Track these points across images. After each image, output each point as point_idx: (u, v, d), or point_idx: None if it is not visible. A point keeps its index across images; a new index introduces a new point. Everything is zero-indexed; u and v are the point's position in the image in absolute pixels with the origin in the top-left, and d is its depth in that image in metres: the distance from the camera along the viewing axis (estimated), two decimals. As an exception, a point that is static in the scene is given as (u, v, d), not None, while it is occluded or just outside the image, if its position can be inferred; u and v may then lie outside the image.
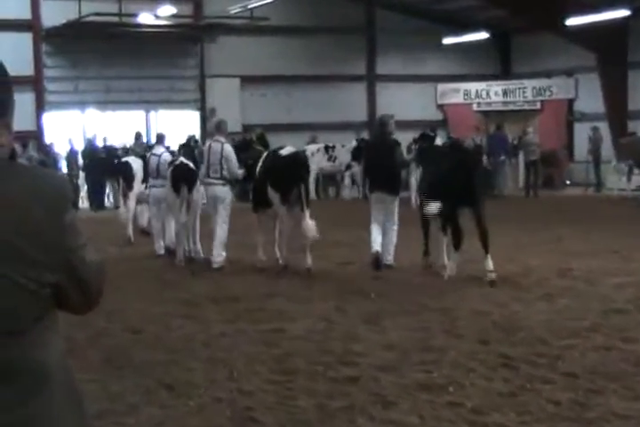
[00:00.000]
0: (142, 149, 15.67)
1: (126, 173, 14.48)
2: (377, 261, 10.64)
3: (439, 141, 22.41)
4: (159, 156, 12.83)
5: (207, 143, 11.85)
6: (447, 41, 27.73)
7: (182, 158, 12.31)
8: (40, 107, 24.42)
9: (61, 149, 23.16)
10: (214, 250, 11.29)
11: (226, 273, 10.86)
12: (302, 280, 10.07)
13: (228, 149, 11.44)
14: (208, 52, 26.67)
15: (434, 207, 10.03)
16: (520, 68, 29.26)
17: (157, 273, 11.08)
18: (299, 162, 11.06)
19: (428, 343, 6.90)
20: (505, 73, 29.94)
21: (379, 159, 10.80)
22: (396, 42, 27.84)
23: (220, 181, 11.40)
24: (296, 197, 10.65)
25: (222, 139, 11.55)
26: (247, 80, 26.48)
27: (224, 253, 11.32)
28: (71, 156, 22.79)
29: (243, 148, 18.09)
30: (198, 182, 11.96)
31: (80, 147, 23.40)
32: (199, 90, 26.75)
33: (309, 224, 10.42)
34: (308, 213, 10.56)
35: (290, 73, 26.85)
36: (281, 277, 10.57)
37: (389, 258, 10.83)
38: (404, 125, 27.32)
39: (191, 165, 12.09)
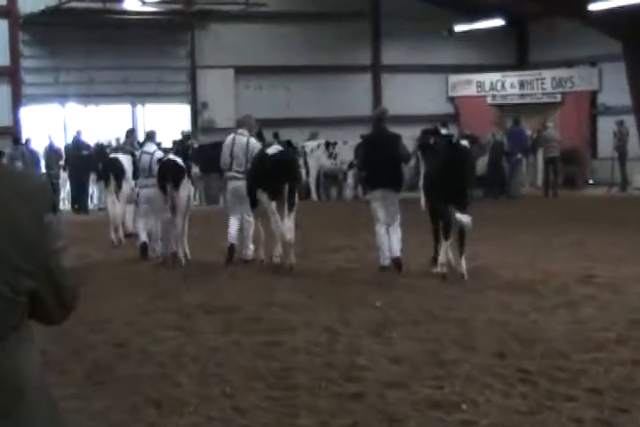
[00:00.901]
0: (133, 146, 15.74)
1: (118, 171, 14.55)
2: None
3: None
4: (152, 154, 13.00)
5: (230, 136, 12.37)
6: (459, 28, 27.74)
7: (171, 155, 12.57)
8: (17, 100, 24.44)
9: (39, 146, 23.10)
10: (244, 243, 12.07)
11: (219, 280, 10.87)
12: (302, 288, 10.07)
13: (254, 142, 12.05)
14: (199, 40, 26.69)
15: None
16: (538, 57, 29.26)
17: (145, 280, 11.09)
18: (283, 161, 11.53)
19: (439, 356, 6.90)
20: (522, 63, 29.95)
21: (380, 154, 11.05)
22: (403, 29, 27.84)
23: (244, 176, 11.88)
24: (283, 196, 11.28)
25: (246, 132, 12.13)
26: (242, 71, 26.50)
27: (252, 246, 12.07)
28: (51, 153, 22.74)
29: None
30: (186, 180, 12.22)
31: (61, 144, 23.38)
32: (190, 82, 26.77)
33: (287, 225, 11.15)
34: (292, 215, 11.25)
35: (288, 63, 26.87)
36: (281, 276, 10.74)
37: (397, 254, 11.03)
38: (413, 120, 27.37)
39: (179, 161, 12.41)
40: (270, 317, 8.57)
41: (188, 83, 26.79)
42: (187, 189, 12.34)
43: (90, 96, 25.37)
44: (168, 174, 12.05)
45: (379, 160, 11.02)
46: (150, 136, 13.84)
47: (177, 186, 12.03)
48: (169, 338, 7.80)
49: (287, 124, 25.34)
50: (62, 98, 25.20)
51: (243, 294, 9.86)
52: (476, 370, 6.48)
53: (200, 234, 13.67)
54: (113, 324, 8.40)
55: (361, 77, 28.57)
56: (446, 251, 10.44)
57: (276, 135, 21.90)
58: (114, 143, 23.47)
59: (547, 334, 7.53)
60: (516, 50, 30.22)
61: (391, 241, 11.02)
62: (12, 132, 23.15)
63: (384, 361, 6.82)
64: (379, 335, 7.68)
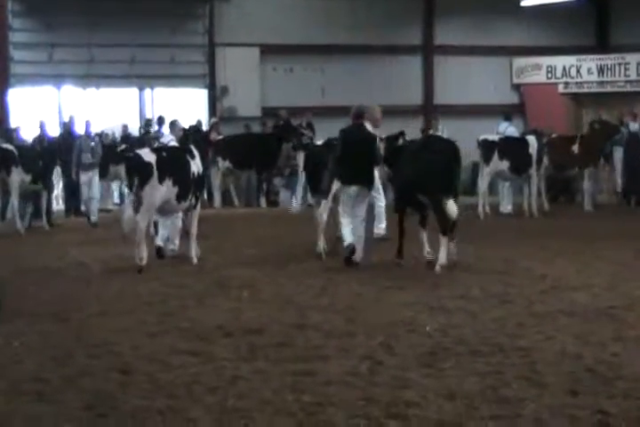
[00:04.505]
0: (150, 139, 16.09)
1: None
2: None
3: (515, 132, 22.51)
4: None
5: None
6: (527, 2, 27.70)
7: (144, 150, 13.48)
8: (4, 80, 24.70)
9: (29, 136, 23.24)
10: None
11: (241, 297, 10.94)
12: (338, 308, 10.11)
13: (372, 135, 13.29)
14: (219, 13, 26.86)
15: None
16: (621, 37, 29.19)
17: (152, 295, 11.17)
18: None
19: (500, 393, 6.90)
20: (602, 44, 29.86)
21: (357, 151, 12.99)
22: (460, 2, 27.86)
23: None
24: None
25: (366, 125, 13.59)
26: (269, 50, 26.63)
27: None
28: (43, 144, 22.79)
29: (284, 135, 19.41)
30: (154, 179, 12.62)
31: (55, 133, 23.40)
32: (208, 62, 26.92)
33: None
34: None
35: (324, 42, 26.97)
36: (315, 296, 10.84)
37: (350, 240, 12.88)
38: (469, 111, 27.39)
39: (146, 156, 12.80)
40: (301, 342, 8.60)
41: (205, 63, 26.95)
42: (156, 190, 12.65)
43: (90, 77, 25.62)
44: (133, 172, 12.81)
45: (355, 157, 12.95)
46: (172, 126, 14.78)
47: (142, 185, 12.56)
48: (181, 365, 7.84)
49: (321, 114, 25.41)
50: (57, 79, 25.45)
51: (269, 313, 9.91)
52: (544, 410, 6.47)
53: (221, 242, 13.71)
54: (117, 347, 8.45)
55: (409, 60, 28.61)
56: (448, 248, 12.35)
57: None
58: (116, 133, 23.63)
59: (630, 370, 7.50)
60: (594, 29, 30.14)
61: (348, 230, 12.94)
62: (-1, 119, 23.42)
63: (434, 397, 6.82)
64: (429, 366, 7.68)
